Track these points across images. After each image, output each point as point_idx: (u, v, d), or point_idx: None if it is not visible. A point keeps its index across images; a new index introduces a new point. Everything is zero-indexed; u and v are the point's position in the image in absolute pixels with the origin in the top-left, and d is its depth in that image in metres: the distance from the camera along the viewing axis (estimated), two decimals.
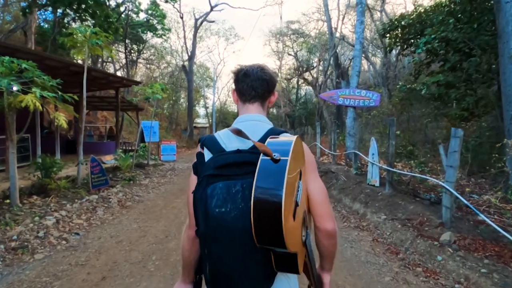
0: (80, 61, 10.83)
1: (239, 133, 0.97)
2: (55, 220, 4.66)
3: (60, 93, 5.49)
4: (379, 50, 23.92)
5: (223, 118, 42.16)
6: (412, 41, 10.52)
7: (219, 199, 0.89)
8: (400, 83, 9.83)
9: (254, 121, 1.08)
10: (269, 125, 1.10)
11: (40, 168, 6.44)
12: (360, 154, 7.18)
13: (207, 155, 1.01)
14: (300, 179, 0.88)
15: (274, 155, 0.79)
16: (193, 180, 1.02)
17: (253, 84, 1.11)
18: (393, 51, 22.29)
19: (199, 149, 1.04)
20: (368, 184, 6.38)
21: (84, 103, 7.15)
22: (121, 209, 5.93)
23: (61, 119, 5.37)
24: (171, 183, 8.98)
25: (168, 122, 33.18)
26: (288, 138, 0.90)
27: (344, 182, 7.05)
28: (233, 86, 1.17)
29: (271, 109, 35.59)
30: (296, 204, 0.82)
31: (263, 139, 0.96)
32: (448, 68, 9.07)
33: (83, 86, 7.15)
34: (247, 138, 0.94)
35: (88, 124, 16.09)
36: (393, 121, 5.91)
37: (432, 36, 8.57)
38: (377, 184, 6.15)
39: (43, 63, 7.81)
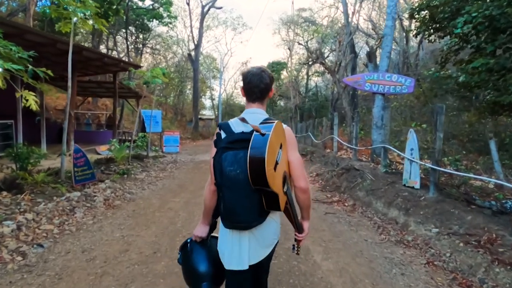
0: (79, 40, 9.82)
1: (243, 120, 1.46)
2: (16, 226, 3.66)
3: (30, 67, 4.47)
4: (393, 41, 22.53)
5: (230, 110, 41.08)
6: (446, 22, 9.26)
7: (229, 162, 1.39)
8: (432, 69, 8.61)
9: (255, 113, 1.55)
10: (265, 115, 1.56)
11: (15, 159, 5.48)
12: (393, 149, 6.05)
13: (223, 134, 1.49)
14: (280, 148, 1.40)
15: (262, 132, 1.33)
16: (213, 150, 1.51)
17: (254, 90, 1.57)
18: (410, 41, 20.89)
19: (218, 130, 1.51)
20: (405, 185, 5.27)
21: (70, 83, 6.10)
22: (106, 209, 4.92)
23: (31, 99, 4.33)
24: (170, 178, 7.97)
25: (173, 113, 32.25)
26: (272, 122, 1.41)
27: (372, 182, 5.95)
28: (241, 84, 1.64)
29: (279, 102, 34.47)
30: (276, 162, 1.34)
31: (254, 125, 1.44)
32: (490, 51, 7.84)
33: (69, 64, 6.09)
34: (247, 123, 1.43)
35: (87, 111, 15.12)
36: (441, 108, 4.77)
37: (473, 14, 7.31)
38: (417, 186, 5.04)
39: (24, 37, 6.80)
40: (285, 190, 1.44)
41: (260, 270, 1.61)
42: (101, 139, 11.82)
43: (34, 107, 4.30)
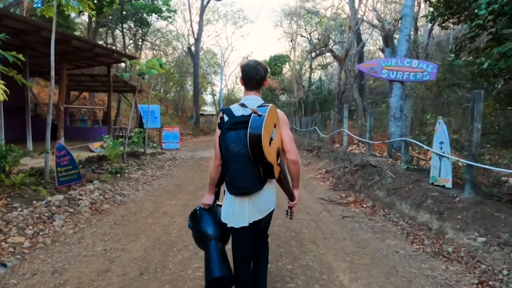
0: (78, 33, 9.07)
1: (243, 105, 1.78)
2: None
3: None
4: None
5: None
6: (466, 4, 8.51)
7: (232, 140, 1.70)
8: (452, 56, 7.87)
9: (253, 99, 1.84)
10: (261, 101, 1.84)
11: None
12: (418, 143, 5.36)
13: (226, 118, 1.78)
14: (274, 127, 1.71)
15: (259, 113, 1.63)
16: (218, 132, 1.81)
17: (251, 80, 1.86)
18: (418, 30, 20.04)
19: (221, 115, 1.81)
20: (433, 184, 4.61)
21: (53, 73, 5.44)
22: (92, 215, 4.30)
23: None
24: (168, 177, 7.33)
25: (174, 109, 31.59)
26: (268, 105, 1.73)
27: (392, 180, 5.29)
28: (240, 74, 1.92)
29: (281, 96, 33.76)
30: (271, 139, 1.65)
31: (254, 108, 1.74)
32: None
33: (51, 52, 5.42)
34: (247, 107, 1.74)
35: (81, 107, 14.48)
36: (479, 95, 4.09)
37: None
38: (449, 184, 4.38)
39: (3, 23, 6.13)
40: (278, 162, 1.74)
41: (259, 229, 1.96)
42: (96, 136, 11.16)
43: (1, 97, 3.65)
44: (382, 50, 9.10)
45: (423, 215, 4.13)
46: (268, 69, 1.99)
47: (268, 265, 2.82)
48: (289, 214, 1.96)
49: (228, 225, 1.81)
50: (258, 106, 1.73)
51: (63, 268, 2.75)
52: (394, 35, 11.59)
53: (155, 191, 5.82)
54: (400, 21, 6.90)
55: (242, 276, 1.87)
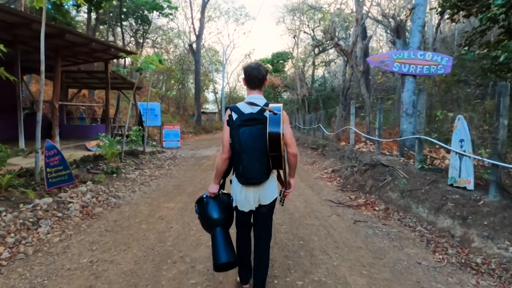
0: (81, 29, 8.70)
1: (252, 104, 2.00)
2: None
3: None
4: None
5: (233, 104, 39.90)
6: None
7: (246, 135, 1.93)
8: (466, 49, 7.47)
9: (258, 98, 2.06)
10: (264, 100, 2.08)
11: None
12: (435, 141, 4.97)
13: (234, 115, 1.99)
14: (283, 124, 1.91)
15: (275, 112, 1.88)
16: (226, 128, 2.03)
17: (253, 80, 2.09)
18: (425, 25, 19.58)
19: (229, 112, 2.03)
20: (452, 185, 4.24)
21: (42, 67, 5.11)
22: (82, 220, 3.96)
23: None
24: (167, 177, 6.99)
25: (175, 107, 31.25)
26: (279, 104, 1.95)
27: (406, 181, 4.92)
28: (243, 75, 2.16)
29: (284, 93, 33.39)
30: (283, 134, 1.88)
31: (264, 106, 2.00)
32: None
33: (41, 44, 5.10)
34: (258, 105, 2.00)
35: (79, 104, 14.15)
36: (505, 88, 3.71)
37: None
38: (471, 186, 4.01)
39: None
40: (284, 154, 1.98)
41: (261, 214, 2.18)
42: (94, 134, 10.82)
43: None
44: (393, 42, 8.68)
45: (444, 220, 3.76)
46: (268, 70, 2.26)
47: (276, 281, 2.48)
48: (282, 201, 2.25)
49: (239, 208, 2.11)
50: (265, 104, 1.99)
51: (41, 284, 2.42)
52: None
53: (152, 193, 5.48)
54: (412, 11, 6.49)
55: (242, 237, 2.25)
